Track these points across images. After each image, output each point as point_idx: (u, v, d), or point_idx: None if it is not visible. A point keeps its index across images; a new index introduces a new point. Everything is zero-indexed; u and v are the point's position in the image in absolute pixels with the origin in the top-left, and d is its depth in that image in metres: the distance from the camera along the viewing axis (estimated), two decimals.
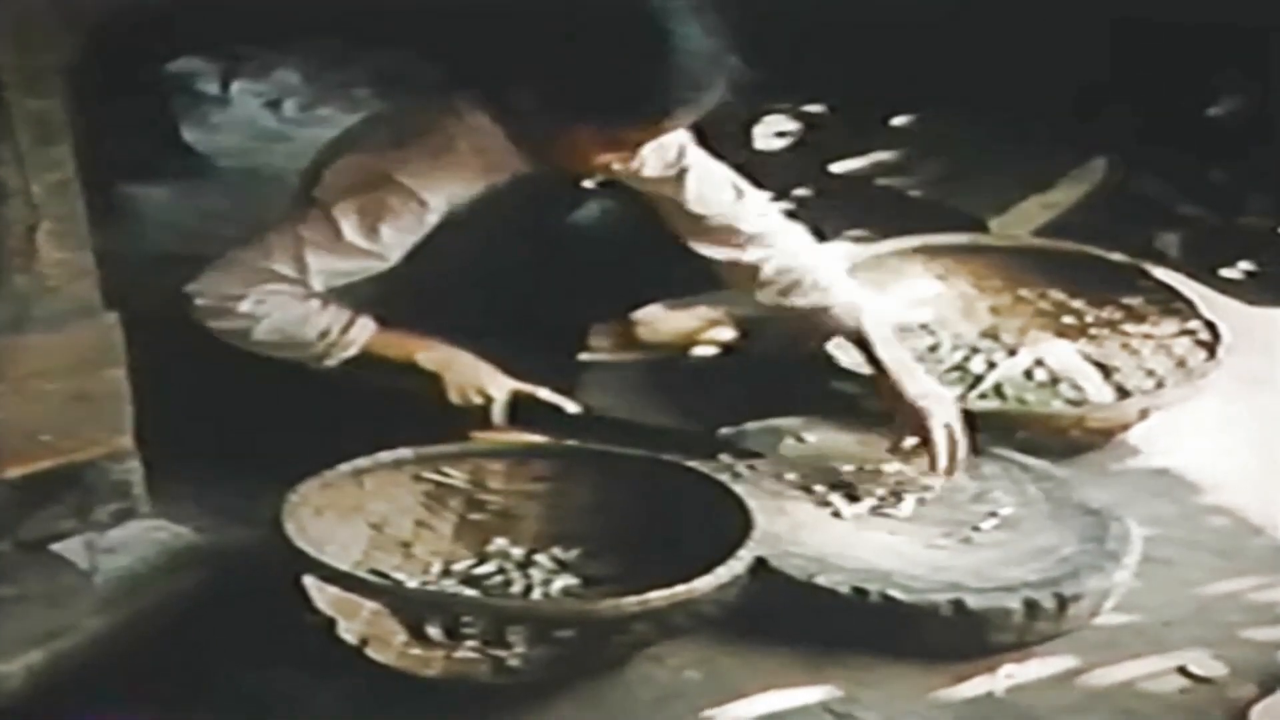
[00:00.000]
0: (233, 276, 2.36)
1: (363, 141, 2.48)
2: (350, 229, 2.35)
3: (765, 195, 2.67)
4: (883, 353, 2.55)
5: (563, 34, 2.26)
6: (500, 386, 2.45)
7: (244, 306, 2.35)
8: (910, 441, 2.48)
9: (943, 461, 2.44)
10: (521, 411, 2.46)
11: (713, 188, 2.59)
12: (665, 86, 2.28)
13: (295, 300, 2.37)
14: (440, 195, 2.37)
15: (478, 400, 2.44)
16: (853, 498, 2.44)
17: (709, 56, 2.27)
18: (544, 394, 2.47)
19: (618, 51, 2.25)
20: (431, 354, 2.44)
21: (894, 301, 2.99)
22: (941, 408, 2.48)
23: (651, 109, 2.32)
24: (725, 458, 2.47)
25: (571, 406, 2.49)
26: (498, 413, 2.44)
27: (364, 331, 2.40)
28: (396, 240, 2.37)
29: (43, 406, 2.20)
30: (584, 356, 2.75)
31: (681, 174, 2.56)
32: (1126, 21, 3.64)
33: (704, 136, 2.56)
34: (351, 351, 2.40)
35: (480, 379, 2.45)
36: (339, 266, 2.38)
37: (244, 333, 2.36)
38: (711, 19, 2.28)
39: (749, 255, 2.61)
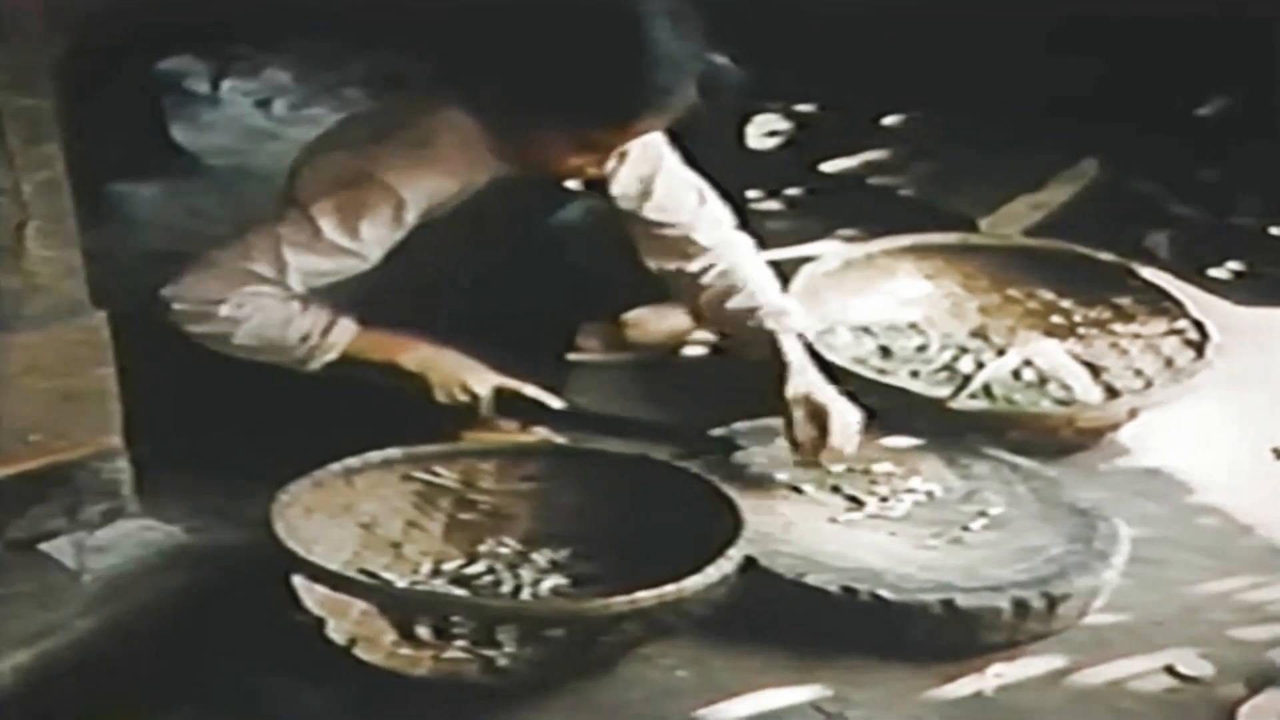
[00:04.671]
0: (212, 279, 2.33)
1: (341, 140, 2.46)
2: (330, 228, 2.33)
3: (722, 202, 2.67)
4: (791, 356, 2.53)
5: (534, 31, 2.25)
6: (484, 382, 2.44)
7: (224, 311, 2.32)
8: (808, 433, 2.45)
9: (836, 447, 2.43)
10: (507, 408, 2.46)
11: (677, 194, 2.60)
12: (634, 90, 2.27)
13: (276, 303, 2.34)
14: (420, 192, 2.35)
15: (463, 398, 2.43)
16: (845, 498, 2.44)
17: (680, 61, 2.26)
18: (528, 389, 2.46)
19: (587, 52, 2.24)
20: (414, 354, 2.42)
21: (882, 300, 3.00)
22: (838, 407, 2.46)
23: (619, 112, 2.32)
24: (713, 457, 2.48)
25: (555, 402, 2.48)
26: (485, 409, 2.44)
27: (345, 334, 2.38)
28: (376, 238, 2.35)
29: (31, 406, 2.19)
30: (572, 357, 2.74)
31: (649, 186, 2.56)
32: (1116, 21, 3.64)
33: (689, 136, 2.56)
34: (332, 355, 2.37)
35: (464, 376, 2.43)
36: (319, 266, 2.36)
37: (224, 337, 2.34)
38: (688, 23, 2.27)
39: (694, 264, 2.63)
